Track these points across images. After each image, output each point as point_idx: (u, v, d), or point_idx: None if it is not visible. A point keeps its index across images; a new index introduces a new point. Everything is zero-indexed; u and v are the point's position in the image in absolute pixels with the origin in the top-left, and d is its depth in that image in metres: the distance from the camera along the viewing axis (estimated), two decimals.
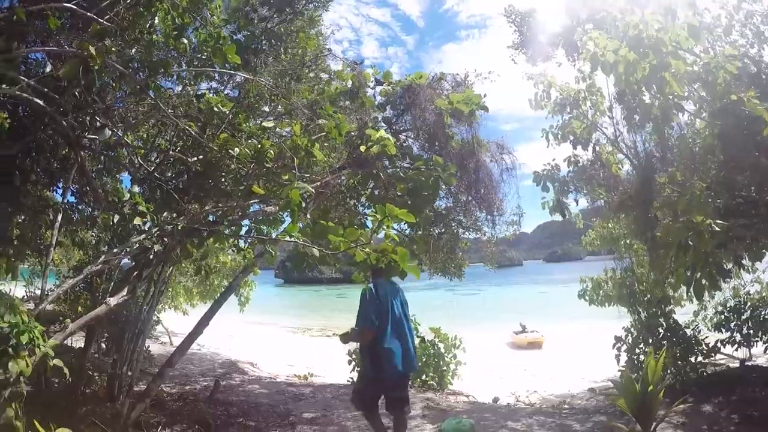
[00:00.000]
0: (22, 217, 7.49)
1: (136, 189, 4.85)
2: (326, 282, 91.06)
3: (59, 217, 6.06)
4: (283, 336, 24.37)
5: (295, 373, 11.16)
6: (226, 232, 5.21)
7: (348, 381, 8.88)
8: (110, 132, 4.82)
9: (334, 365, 9.13)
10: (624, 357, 7.44)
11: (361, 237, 3.97)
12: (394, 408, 5.02)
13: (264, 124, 5.01)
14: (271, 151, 4.79)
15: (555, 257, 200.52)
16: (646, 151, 6.94)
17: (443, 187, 6.71)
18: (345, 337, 5.08)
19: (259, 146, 4.78)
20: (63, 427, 3.77)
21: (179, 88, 5.73)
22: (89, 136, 5.03)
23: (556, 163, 7.81)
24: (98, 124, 5.05)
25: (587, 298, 11.03)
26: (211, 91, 5.61)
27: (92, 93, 4.65)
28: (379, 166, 5.91)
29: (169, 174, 5.68)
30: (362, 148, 5.44)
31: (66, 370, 3.87)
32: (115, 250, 5.00)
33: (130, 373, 5.81)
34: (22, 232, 7.59)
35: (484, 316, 32.92)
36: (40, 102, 4.27)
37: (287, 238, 4.31)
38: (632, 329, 7.63)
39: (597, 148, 7.52)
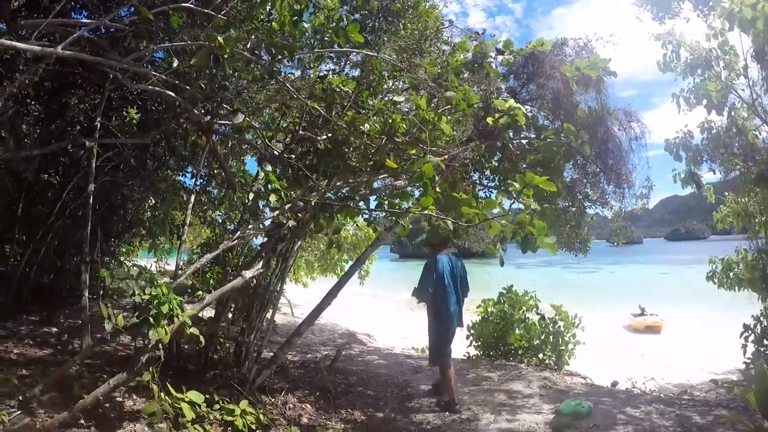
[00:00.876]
0: (156, 201, 8.35)
1: (269, 168, 5.00)
2: None
3: (192, 199, 6.61)
4: (399, 309, 24.87)
5: (412, 345, 11.41)
6: (358, 206, 5.37)
7: (464, 355, 8.95)
8: (243, 116, 5.04)
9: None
10: (751, 348, 6.82)
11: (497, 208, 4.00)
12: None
13: (395, 98, 5.12)
14: (402, 125, 4.90)
15: (677, 235, 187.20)
16: None
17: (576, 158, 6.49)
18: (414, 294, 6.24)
19: (390, 121, 4.92)
20: (193, 390, 4.28)
21: (299, 72, 6.02)
22: (221, 122, 5.45)
23: (689, 129, 7.22)
24: (228, 109, 5.49)
25: (716, 280, 10.19)
26: (332, 73, 5.75)
27: (218, 81, 5.02)
28: (506, 137, 5.79)
29: (297, 153, 5.86)
30: (489, 120, 5.33)
31: (201, 338, 4.36)
32: (250, 227, 5.34)
33: (257, 341, 6.09)
34: (156, 213, 8.46)
35: (601, 296, 31.73)
36: (171, 94, 4.67)
37: (421, 211, 4.40)
38: (763, 318, 6.94)
39: (733, 113, 6.85)
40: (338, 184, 5.64)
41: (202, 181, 7.49)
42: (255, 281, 6.65)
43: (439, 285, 5.99)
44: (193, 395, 4.15)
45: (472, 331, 9.01)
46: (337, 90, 4.98)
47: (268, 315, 7.16)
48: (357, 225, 15.07)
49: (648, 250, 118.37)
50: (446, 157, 5.27)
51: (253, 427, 4.39)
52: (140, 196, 8.03)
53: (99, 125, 5.80)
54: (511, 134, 5.68)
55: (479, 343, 8.96)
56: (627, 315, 21.47)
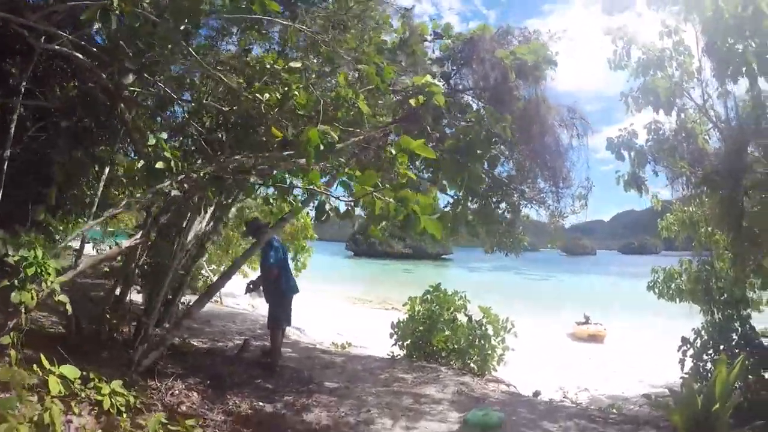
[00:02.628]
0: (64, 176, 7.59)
1: (164, 136, 4.50)
2: (395, 256, 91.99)
3: (106, 171, 6.04)
4: (342, 305, 24.38)
5: (341, 342, 10.93)
6: (248, 181, 4.95)
7: (388, 355, 8.52)
8: (133, 77, 4.66)
9: (381, 338, 8.78)
10: (689, 363, 6.58)
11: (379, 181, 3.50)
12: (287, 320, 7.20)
13: (291, 64, 4.58)
14: (299, 94, 4.37)
15: (630, 249, 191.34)
16: (738, 116, 5.97)
17: (504, 151, 6.11)
18: (252, 286, 7.44)
19: (286, 90, 4.40)
20: (68, 365, 4.00)
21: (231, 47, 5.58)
22: (131, 88, 4.96)
23: (634, 128, 6.92)
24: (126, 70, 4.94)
25: (657, 290, 10.00)
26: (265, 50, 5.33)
27: (118, 41, 4.48)
28: (428, 121, 5.35)
29: (207, 125, 5.47)
30: (412, 101, 4.92)
31: (69, 306, 3.98)
32: (138, 195, 4.90)
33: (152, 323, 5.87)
34: (68, 189, 7.67)
35: (549, 303, 31.84)
36: (79, 55, 4.36)
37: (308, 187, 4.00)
38: (703, 332, 6.71)
39: (683, 115, 6.58)
40: (238, 158, 5.11)
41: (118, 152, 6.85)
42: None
43: (282, 261, 7.06)
44: (67, 370, 3.90)
45: (396, 330, 8.57)
46: (251, 63, 4.54)
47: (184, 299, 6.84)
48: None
49: (601, 261, 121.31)
50: (360, 138, 4.82)
51: (122, 408, 4.08)
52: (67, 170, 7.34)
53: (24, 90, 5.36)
54: (432, 119, 5.22)
55: (402, 343, 8.50)
56: (572, 323, 21.43)
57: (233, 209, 10.80)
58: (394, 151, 3.33)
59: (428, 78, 4.56)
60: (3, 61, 6.08)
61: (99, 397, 4.04)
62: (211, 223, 7.47)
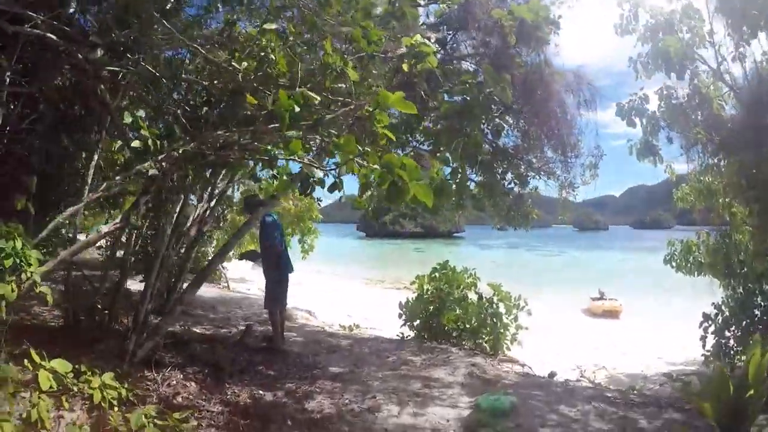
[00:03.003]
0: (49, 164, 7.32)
1: (141, 113, 4.22)
2: (406, 236, 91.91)
3: (95, 158, 5.83)
4: (354, 287, 24.20)
5: (349, 323, 10.72)
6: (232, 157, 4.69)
7: (397, 336, 8.27)
8: (101, 52, 4.38)
9: (392, 318, 8.52)
10: (711, 340, 6.23)
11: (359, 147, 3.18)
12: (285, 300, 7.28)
13: (265, 26, 4.23)
14: (276, 59, 4.04)
15: (642, 224, 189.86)
16: (756, 79, 5.55)
17: (509, 120, 5.76)
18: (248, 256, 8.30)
19: (262, 54, 4.08)
20: (60, 359, 3.77)
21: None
22: (108, 68, 4.66)
23: (645, 93, 6.51)
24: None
25: (674, 264, 9.64)
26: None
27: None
28: (423, 87, 5.00)
29: (191, 102, 5.17)
30: (404, 66, 4.57)
31: (49, 297, 3.72)
32: (117, 178, 4.70)
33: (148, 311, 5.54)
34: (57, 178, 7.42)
35: (562, 279, 31.42)
36: (53, 37, 4.19)
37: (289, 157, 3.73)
38: (724, 307, 6.36)
39: (695, 80, 6.16)
40: (218, 133, 4.81)
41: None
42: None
43: (281, 240, 7.20)
44: (58, 364, 3.70)
45: (404, 310, 8.30)
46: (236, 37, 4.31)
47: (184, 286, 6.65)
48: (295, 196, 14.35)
49: (613, 236, 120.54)
50: (351, 108, 4.50)
51: (114, 402, 3.89)
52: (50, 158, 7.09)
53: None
54: (427, 86, 4.86)
55: (412, 324, 8.23)
56: (586, 299, 21.15)
57: (236, 191, 10.59)
58: (371, 108, 2.97)
59: (418, 37, 4.19)
60: None
61: (91, 391, 3.84)
62: (209, 207, 7.28)
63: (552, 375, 6.68)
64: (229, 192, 9.29)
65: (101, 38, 4.40)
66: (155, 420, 3.80)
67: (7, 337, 4.58)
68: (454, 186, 6.54)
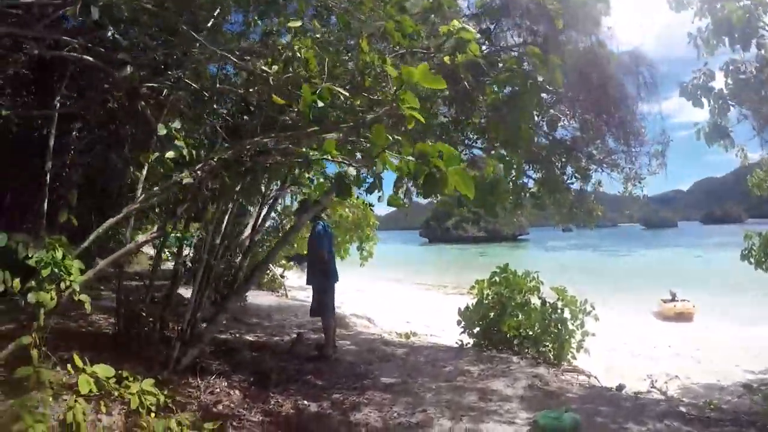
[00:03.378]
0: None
1: (176, 125, 4.22)
2: (470, 240, 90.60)
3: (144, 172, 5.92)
4: (415, 293, 23.86)
5: (405, 331, 10.42)
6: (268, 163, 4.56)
7: (456, 343, 7.90)
8: (130, 69, 4.31)
9: (452, 325, 8.13)
10: None
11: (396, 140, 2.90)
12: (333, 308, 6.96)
13: (289, 24, 4.01)
14: (303, 54, 3.82)
15: (713, 218, 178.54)
16: None
17: (564, 110, 5.32)
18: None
19: (290, 54, 3.88)
20: (102, 364, 3.80)
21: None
22: (146, 84, 4.76)
23: (710, 69, 5.87)
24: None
25: (752, 259, 8.73)
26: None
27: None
28: (468, 79, 4.66)
29: (230, 112, 5.29)
30: (445, 58, 4.27)
31: (87, 305, 3.70)
32: (156, 189, 4.60)
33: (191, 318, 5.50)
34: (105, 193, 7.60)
35: (630, 280, 29.80)
36: (89, 58, 4.25)
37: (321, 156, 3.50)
38: None
39: (762, 50, 5.49)
40: (255, 140, 4.67)
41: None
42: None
43: (330, 249, 6.98)
44: (100, 369, 3.71)
45: (463, 316, 7.90)
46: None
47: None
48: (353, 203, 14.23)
49: (683, 232, 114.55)
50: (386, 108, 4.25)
51: (152, 408, 3.83)
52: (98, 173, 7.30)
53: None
54: (472, 77, 4.49)
55: (471, 331, 7.82)
56: (657, 301, 19.85)
57: (294, 201, 10.51)
58: (393, 87, 2.69)
59: (455, 23, 3.86)
60: (42, 77, 6.16)
61: (129, 396, 3.81)
62: (261, 215, 7.23)
63: (620, 388, 6.07)
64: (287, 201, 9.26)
65: (132, 56, 4.38)
66: (186, 428, 3.71)
67: (60, 342, 4.75)
68: (510, 184, 6.15)
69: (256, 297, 12.20)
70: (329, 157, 3.41)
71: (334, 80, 3.99)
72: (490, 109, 4.10)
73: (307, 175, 4.46)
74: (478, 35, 5.22)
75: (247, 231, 7.65)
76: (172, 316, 6.29)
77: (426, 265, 44.82)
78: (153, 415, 3.79)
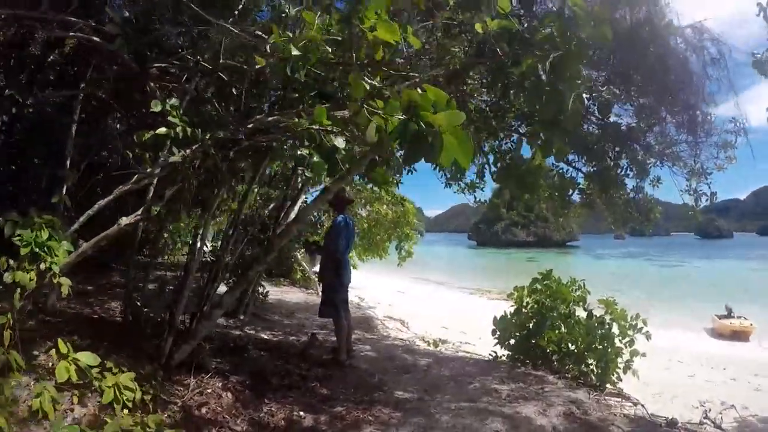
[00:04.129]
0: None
1: (174, 101, 3.89)
2: (519, 245, 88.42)
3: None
4: (458, 297, 23.01)
5: (430, 336, 9.72)
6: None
7: (489, 355, 7.16)
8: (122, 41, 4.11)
9: (490, 333, 7.34)
10: None
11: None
12: (346, 309, 6.34)
13: None
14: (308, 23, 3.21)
15: None
16: None
17: (618, 93, 4.52)
18: (308, 247, 7.61)
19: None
20: (87, 352, 3.58)
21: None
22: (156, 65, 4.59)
23: None
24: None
25: None
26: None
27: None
28: (504, 48, 3.95)
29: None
30: (477, 26, 3.60)
31: (64, 288, 3.55)
32: (149, 170, 4.12)
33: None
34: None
35: (683, 293, 27.84)
36: (96, 39, 4.13)
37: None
38: None
39: None
40: (257, 118, 4.15)
41: None
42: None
43: (346, 244, 6.24)
44: (85, 356, 3.50)
45: (499, 326, 7.09)
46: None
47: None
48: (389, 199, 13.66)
49: (739, 244, 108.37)
50: (416, 80, 3.61)
51: (128, 404, 3.60)
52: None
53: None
54: (508, 47, 3.76)
55: (506, 342, 7.03)
56: (711, 316, 18.26)
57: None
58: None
59: None
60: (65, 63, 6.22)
61: (105, 388, 3.58)
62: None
63: (672, 423, 5.09)
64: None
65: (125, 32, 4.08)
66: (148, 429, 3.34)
67: (67, 326, 4.99)
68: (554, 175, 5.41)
69: (285, 293, 11.77)
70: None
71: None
72: (527, 82, 3.38)
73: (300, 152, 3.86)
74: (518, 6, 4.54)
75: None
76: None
77: (471, 269, 43.67)
78: (126, 411, 3.53)
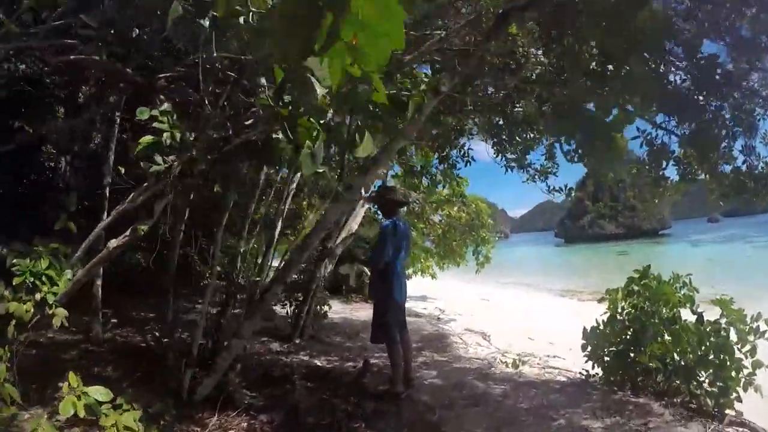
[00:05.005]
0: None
1: (166, 106, 3.48)
2: (607, 238, 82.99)
3: None
4: (545, 301, 21.32)
5: (515, 351, 8.60)
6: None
7: (581, 374, 6.06)
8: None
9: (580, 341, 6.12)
10: None
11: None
12: (402, 330, 5.44)
13: None
14: None
15: None
16: None
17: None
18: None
19: None
20: (100, 387, 3.36)
21: None
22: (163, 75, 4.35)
23: None
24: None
25: None
26: None
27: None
28: None
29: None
30: None
31: (56, 320, 3.39)
32: (146, 185, 3.68)
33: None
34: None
35: None
36: (96, 58, 3.92)
37: None
38: None
39: None
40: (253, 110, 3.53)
41: None
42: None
43: (395, 254, 5.31)
44: (96, 391, 3.25)
45: (590, 339, 5.91)
46: None
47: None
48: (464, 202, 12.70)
49: None
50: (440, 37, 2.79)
51: None
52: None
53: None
54: None
55: (599, 358, 5.83)
56: None
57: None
58: None
59: None
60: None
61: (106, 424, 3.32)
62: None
63: None
64: None
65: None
66: None
67: (109, 357, 5.09)
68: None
69: (355, 310, 11.07)
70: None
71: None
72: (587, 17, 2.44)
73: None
74: None
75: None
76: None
77: (559, 268, 41.10)
78: None
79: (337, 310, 8.96)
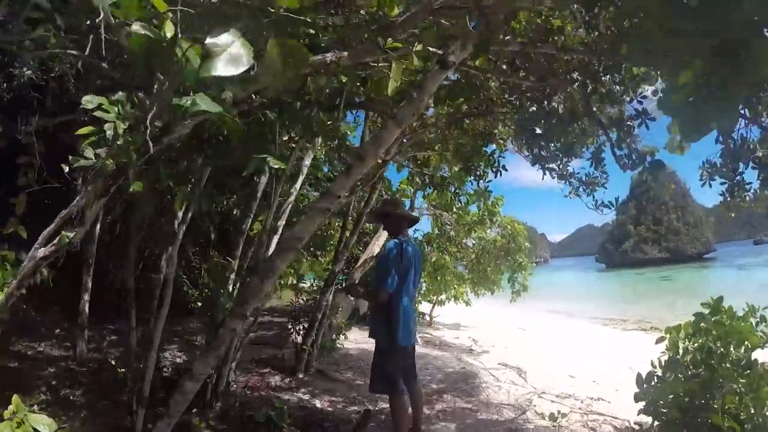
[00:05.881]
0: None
1: (120, 96, 2.87)
2: (650, 263, 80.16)
3: None
4: (588, 330, 19.90)
5: (553, 392, 7.46)
6: None
7: (633, 426, 4.94)
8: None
9: (630, 382, 4.83)
10: None
11: None
12: (409, 378, 4.44)
13: None
14: None
15: None
16: None
17: None
18: (353, 291, 5.15)
19: None
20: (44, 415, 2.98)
21: None
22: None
23: None
24: None
25: None
26: None
27: None
28: None
29: None
30: None
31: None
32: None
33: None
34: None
35: None
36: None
37: None
38: None
39: None
40: None
41: None
42: None
43: (401, 284, 4.23)
44: (39, 420, 2.87)
45: (646, 387, 4.79)
46: None
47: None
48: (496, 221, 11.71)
49: None
50: None
51: None
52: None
53: None
54: None
55: (656, 415, 4.70)
56: None
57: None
58: None
59: None
60: None
61: None
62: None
63: None
64: None
65: None
66: None
67: (83, 378, 4.90)
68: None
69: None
70: None
71: None
72: None
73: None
74: None
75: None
76: None
77: (601, 294, 39.22)
78: None
79: (354, 339, 8.03)
